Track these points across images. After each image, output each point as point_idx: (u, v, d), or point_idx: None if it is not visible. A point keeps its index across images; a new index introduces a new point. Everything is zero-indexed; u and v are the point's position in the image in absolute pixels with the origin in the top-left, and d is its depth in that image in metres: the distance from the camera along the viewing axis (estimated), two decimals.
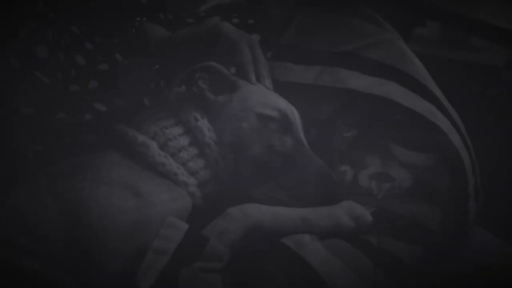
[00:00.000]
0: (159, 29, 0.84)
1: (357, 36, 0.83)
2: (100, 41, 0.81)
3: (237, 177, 0.70)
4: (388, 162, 0.73)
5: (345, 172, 0.75)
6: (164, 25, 0.86)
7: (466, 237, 0.77)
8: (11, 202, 0.61)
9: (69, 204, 0.60)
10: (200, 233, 0.60)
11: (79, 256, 0.57)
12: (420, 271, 0.67)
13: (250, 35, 0.80)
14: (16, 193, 0.62)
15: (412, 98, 0.76)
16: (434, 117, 0.75)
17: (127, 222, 0.59)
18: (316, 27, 0.86)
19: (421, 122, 0.74)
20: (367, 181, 0.73)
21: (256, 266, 0.60)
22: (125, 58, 0.81)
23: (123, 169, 0.66)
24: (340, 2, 0.87)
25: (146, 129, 0.70)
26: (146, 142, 0.68)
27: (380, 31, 0.84)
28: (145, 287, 0.55)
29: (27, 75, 0.70)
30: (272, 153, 0.70)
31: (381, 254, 0.65)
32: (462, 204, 0.75)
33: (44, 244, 0.57)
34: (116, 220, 0.59)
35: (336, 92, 0.78)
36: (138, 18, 0.85)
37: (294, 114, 0.74)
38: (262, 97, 0.74)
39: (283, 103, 0.74)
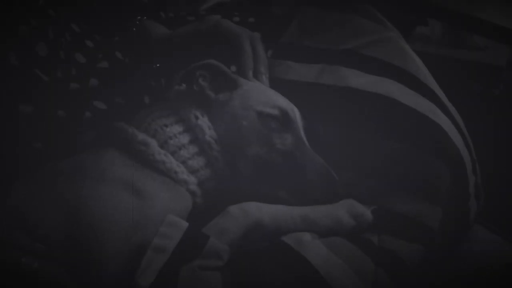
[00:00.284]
0: (159, 28, 0.84)
1: (358, 34, 0.83)
2: (101, 39, 0.81)
3: (237, 176, 0.70)
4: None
5: None
6: (165, 24, 0.86)
7: (467, 236, 0.77)
8: (11, 201, 0.61)
9: (69, 202, 0.60)
10: (200, 231, 0.60)
11: (79, 255, 0.57)
12: (420, 270, 0.67)
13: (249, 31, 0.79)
14: (15, 192, 0.62)
15: (412, 97, 0.76)
16: (435, 116, 0.75)
17: (127, 221, 0.59)
18: (317, 26, 0.86)
19: (422, 120, 0.74)
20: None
21: (256, 264, 0.60)
22: (125, 56, 0.80)
23: (123, 167, 0.66)
24: (341, 0, 0.87)
25: (146, 127, 0.70)
26: (146, 140, 0.68)
27: (381, 29, 0.84)
28: (145, 285, 0.55)
29: (27, 73, 0.70)
30: (273, 151, 0.70)
31: (382, 252, 0.65)
32: (463, 203, 0.75)
33: (44, 243, 0.57)
34: (116, 219, 0.59)
35: (336, 90, 0.77)
36: (139, 17, 0.85)
37: (294, 112, 0.74)
38: (263, 95, 0.74)
39: (283, 101, 0.74)
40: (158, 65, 0.83)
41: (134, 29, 0.84)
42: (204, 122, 0.71)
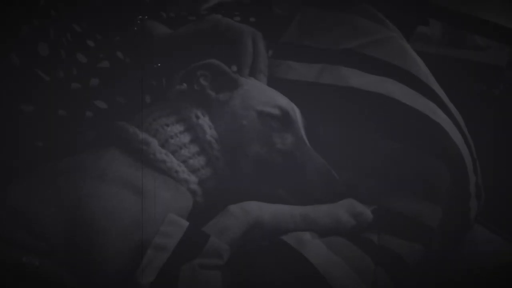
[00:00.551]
0: (161, 27, 0.84)
1: (359, 34, 0.83)
2: (102, 39, 0.81)
3: (237, 175, 0.70)
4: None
5: None
6: (166, 24, 0.86)
7: (467, 236, 0.77)
8: (12, 200, 0.61)
9: (70, 202, 0.60)
10: (201, 230, 0.60)
11: (79, 254, 0.57)
12: (420, 270, 0.67)
13: (251, 28, 0.79)
14: (16, 191, 0.62)
15: (412, 96, 0.76)
16: (435, 115, 0.75)
17: (127, 220, 0.59)
18: (318, 25, 0.86)
19: (422, 120, 0.74)
20: None
21: (256, 263, 0.60)
22: (126, 56, 0.80)
23: (124, 166, 0.66)
24: (341, 0, 0.87)
25: (147, 126, 0.70)
26: (147, 139, 0.68)
27: (381, 29, 0.84)
28: (145, 284, 0.55)
29: (28, 73, 0.70)
30: (273, 151, 0.70)
31: (382, 252, 0.65)
32: (463, 203, 0.74)
33: (45, 242, 0.57)
34: (116, 218, 0.59)
35: (336, 90, 0.78)
36: (140, 16, 0.86)
37: (295, 112, 0.74)
38: (263, 95, 0.74)
39: (284, 101, 0.74)
40: (159, 64, 0.83)
41: (135, 28, 0.84)
42: (204, 121, 0.71)
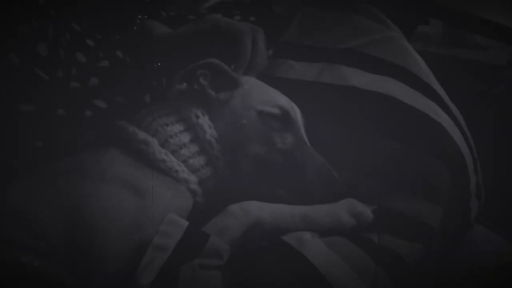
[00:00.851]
0: (160, 27, 0.84)
1: (359, 33, 0.83)
2: (101, 38, 0.80)
3: (237, 175, 0.70)
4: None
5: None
6: (166, 23, 0.86)
7: (467, 236, 0.77)
8: (11, 200, 0.61)
9: (70, 202, 0.60)
10: (201, 230, 0.60)
11: (79, 254, 0.57)
12: (420, 270, 0.67)
13: (254, 26, 0.79)
14: (16, 191, 0.62)
15: (413, 96, 0.76)
16: (436, 115, 0.74)
17: (127, 220, 0.59)
18: (318, 25, 0.86)
19: (423, 119, 0.74)
20: None
21: (256, 263, 0.60)
22: (126, 55, 0.80)
23: (123, 166, 0.66)
24: (341, 0, 0.87)
25: (147, 126, 0.70)
26: (147, 139, 0.68)
27: (382, 28, 0.84)
28: (145, 283, 0.55)
29: (27, 73, 0.70)
30: (273, 150, 0.70)
31: (382, 252, 0.65)
32: (464, 202, 0.74)
33: (45, 242, 0.57)
34: (116, 218, 0.59)
35: (337, 89, 0.77)
36: (140, 16, 0.85)
37: (295, 111, 0.74)
38: (264, 94, 0.74)
39: (284, 100, 0.74)
40: (159, 64, 0.83)
41: (135, 28, 0.83)
42: (204, 121, 0.71)
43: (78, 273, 0.57)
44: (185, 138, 0.70)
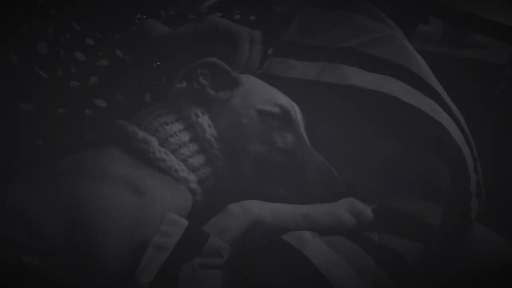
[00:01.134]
0: (160, 26, 0.84)
1: (360, 32, 0.83)
2: (101, 37, 0.80)
3: (237, 174, 0.70)
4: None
5: None
6: (166, 22, 0.86)
7: (468, 235, 0.77)
8: (12, 200, 0.61)
9: (70, 201, 0.60)
10: (200, 229, 0.60)
11: (79, 254, 0.57)
12: (421, 269, 0.67)
13: (252, 30, 0.79)
14: (16, 190, 0.62)
15: (414, 95, 0.76)
16: (437, 114, 0.74)
17: (127, 219, 0.59)
18: (318, 23, 0.86)
19: (423, 119, 0.74)
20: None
21: (256, 262, 0.60)
22: (126, 55, 0.80)
23: (123, 165, 0.66)
24: None
25: (147, 125, 0.70)
26: (147, 138, 0.68)
27: (382, 27, 0.84)
28: (145, 283, 0.55)
29: (27, 72, 0.70)
30: (273, 150, 0.70)
31: (382, 251, 0.65)
32: (464, 202, 0.74)
33: (45, 242, 0.57)
34: (116, 217, 0.59)
35: (337, 89, 0.77)
36: (139, 15, 0.85)
37: (295, 110, 0.74)
38: (264, 94, 0.73)
39: (285, 100, 0.74)
40: (158, 63, 0.83)
41: (134, 27, 0.83)
42: (204, 120, 0.71)
43: (78, 272, 0.57)
44: (185, 137, 0.70)
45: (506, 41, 1.04)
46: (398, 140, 0.72)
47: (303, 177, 0.68)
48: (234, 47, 0.76)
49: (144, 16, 0.85)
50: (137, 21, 0.84)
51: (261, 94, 0.73)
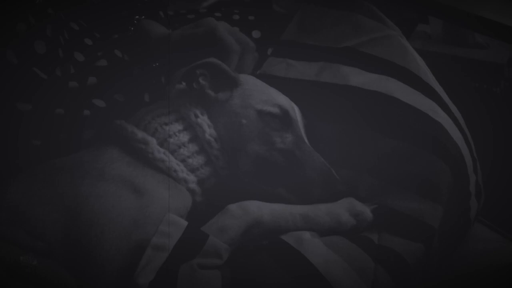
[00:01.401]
0: (158, 27, 0.84)
1: (359, 32, 0.83)
2: (100, 37, 0.80)
3: (237, 174, 0.70)
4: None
5: None
6: (164, 23, 0.86)
7: (468, 235, 0.77)
8: (11, 199, 0.61)
9: (69, 200, 0.60)
10: (200, 229, 0.60)
11: (78, 253, 0.58)
12: (420, 269, 0.67)
13: (248, 40, 0.79)
14: (15, 190, 0.62)
15: (413, 95, 0.76)
16: (435, 115, 0.74)
17: (126, 219, 0.59)
18: (317, 23, 0.86)
19: (422, 119, 0.74)
20: None
21: (255, 263, 0.60)
22: (124, 54, 0.80)
23: (122, 165, 0.66)
24: None
25: (146, 125, 0.70)
26: (146, 138, 0.68)
27: (381, 27, 0.84)
28: (144, 283, 0.55)
29: (25, 71, 0.70)
30: (273, 150, 0.70)
31: (382, 251, 0.65)
32: (463, 202, 0.74)
33: (44, 241, 0.57)
34: (115, 217, 0.59)
35: (336, 88, 0.77)
36: (137, 17, 0.85)
37: (295, 110, 0.74)
38: (263, 94, 0.73)
39: (284, 100, 0.74)
40: (157, 63, 0.83)
41: (132, 28, 0.83)
42: (204, 120, 0.71)
43: (76, 272, 0.57)
44: (184, 137, 0.70)
45: (506, 40, 1.04)
46: (397, 140, 0.72)
47: (302, 177, 0.68)
48: (224, 57, 0.76)
49: (143, 17, 0.85)
50: (135, 22, 0.84)
51: (260, 95, 0.73)
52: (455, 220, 0.73)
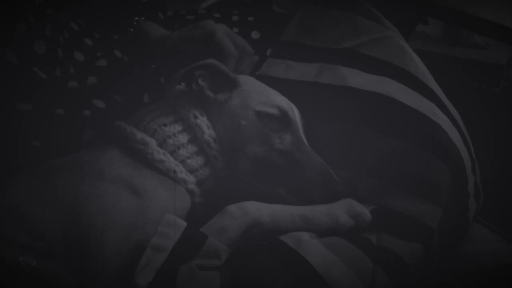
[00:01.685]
0: (157, 29, 0.84)
1: (358, 33, 0.83)
2: (99, 37, 0.80)
3: (236, 175, 0.70)
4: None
5: None
6: (163, 24, 0.86)
7: (467, 236, 0.77)
8: (10, 199, 0.61)
9: (68, 201, 0.60)
10: (199, 230, 0.60)
11: (78, 253, 0.57)
12: (419, 269, 0.67)
13: (246, 44, 0.79)
14: (15, 189, 0.62)
15: (412, 96, 0.76)
16: (434, 116, 0.75)
17: (125, 219, 0.59)
18: (316, 24, 0.86)
19: (421, 120, 0.74)
20: None
21: (254, 263, 0.60)
22: (124, 55, 0.80)
23: (122, 165, 0.66)
24: None
25: (145, 126, 0.70)
26: (145, 139, 0.68)
27: (380, 28, 0.84)
28: (143, 284, 0.55)
29: (25, 71, 0.70)
30: (272, 151, 0.70)
31: (381, 252, 0.65)
32: (462, 202, 0.74)
33: (43, 241, 0.57)
34: (114, 217, 0.59)
35: (335, 89, 0.77)
36: (136, 18, 0.85)
37: (294, 111, 0.74)
38: (262, 95, 0.73)
39: (283, 101, 0.74)
40: (157, 64, 0.83)
41: (131, 29, 0.83)
42: (203, 121, 0.71)
43: (76, 272, 0.57)
44: (184, 138, 0.70)
45: (506, 41, 1.04)
46: (397, 140, 0.72)
47: (301, 178, 0.68)
48: (222, 61, 0.76)
49: (142, 18, 0.85)
50: (135, 23, 0.84)
51: (259, 96, 0.73)
52: (455, 221, 0.73)
